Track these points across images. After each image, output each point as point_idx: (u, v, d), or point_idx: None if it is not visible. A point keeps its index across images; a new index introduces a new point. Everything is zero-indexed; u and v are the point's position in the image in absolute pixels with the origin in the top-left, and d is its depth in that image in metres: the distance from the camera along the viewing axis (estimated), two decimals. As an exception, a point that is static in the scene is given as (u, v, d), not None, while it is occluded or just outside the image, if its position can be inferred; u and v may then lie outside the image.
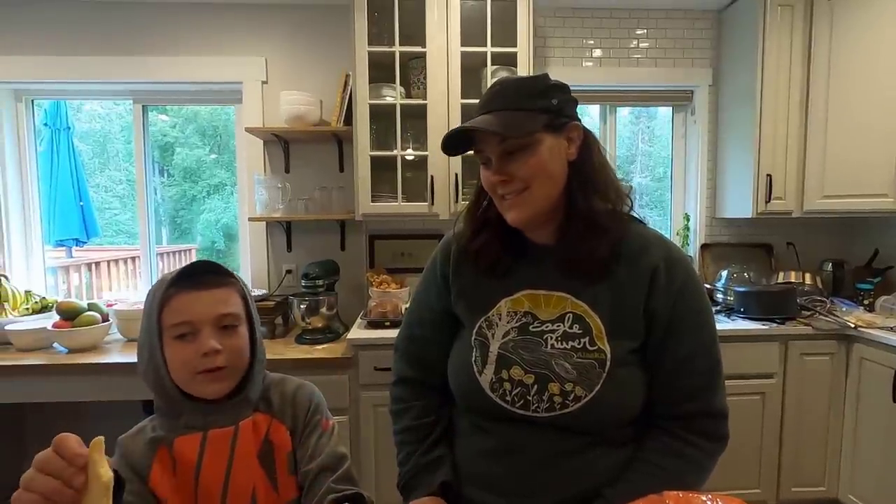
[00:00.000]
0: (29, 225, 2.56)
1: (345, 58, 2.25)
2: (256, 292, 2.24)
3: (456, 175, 2.16)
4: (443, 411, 0.92)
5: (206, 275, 0.83)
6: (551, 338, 0.80)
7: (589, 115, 2.74)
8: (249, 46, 2.41)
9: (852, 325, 2.02)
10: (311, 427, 0.87)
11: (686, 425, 0.79)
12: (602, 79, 2.55)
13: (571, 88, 0.83)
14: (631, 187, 0.88)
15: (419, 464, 0.87)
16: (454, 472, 0.86)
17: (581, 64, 2.53)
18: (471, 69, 2.19)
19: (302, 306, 2.07)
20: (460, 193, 2.16)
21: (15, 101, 2.49)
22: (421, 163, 2.20)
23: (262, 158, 2.45)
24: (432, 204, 2.17)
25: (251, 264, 2.49)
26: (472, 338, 0.85)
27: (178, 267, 0.84)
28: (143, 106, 2.53)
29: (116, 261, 4.38)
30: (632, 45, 2.54)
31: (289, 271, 2.47)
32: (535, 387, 0.78)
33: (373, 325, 2.04)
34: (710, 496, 0.56)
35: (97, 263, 4.09)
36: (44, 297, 2.31)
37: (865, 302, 2.28)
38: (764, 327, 2.05)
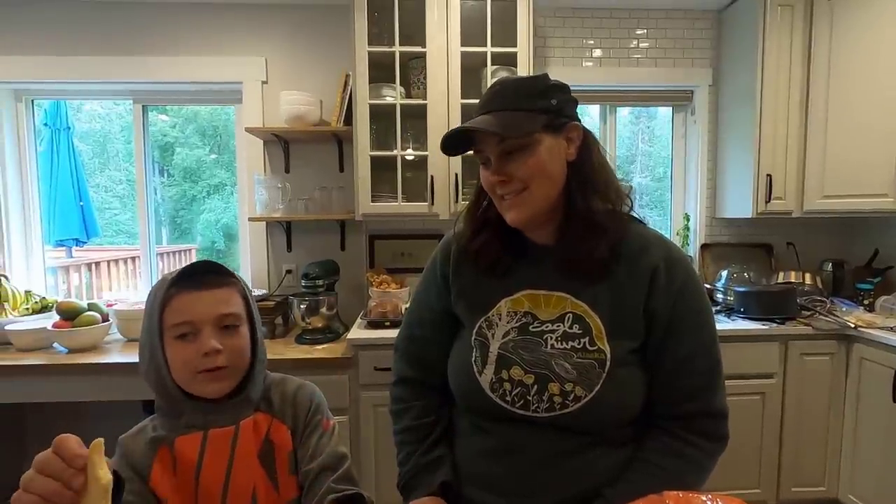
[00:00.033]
0: (29, 225, 2.56)
1: (345, 58, 2.25)
2: (256, 292, 2.24)
3: (456, 175, 2.16)
4: (443, 411, 0.92)
5: (207, 275, 0.83)
6: (551, 338, 0.80)
7: (589, 115, 2.74)
8: (249, 46, 2.41)
9: (852, 325, 2.02)
10: (312, 427, 0.87)
11: (686, 425, 0.79)
12: (602, 79, 2.55)
13: (571, 88, 0.83)
14: (631, 187, 0.88)
15: (419, 464, 0.87)
16: (454, 472, 0.86)
17: (581, 64, 2.53)
18: (471, 69, 2.19)
19: (302, 306, 2.07)
20: (460, 193, 2.16)
21: (15, 101, 2.49)
22: (421, 163, 2.20)
23: (262, 158, 2.45)
24: (432, 204, 2.17)
25: (251, 264, 2.49)
26: (472, 338, 0.85)
27: (178, 267, 0.84)
28: (143, 106, 2.53)
29: (116, 261, 4.38)
30: (632, 45, 2.54)
31: (289, 271, 2.47)
32: (535, 387, 0.78)
33: (373, 325, 2.04)
34: (710, 496, 0.56)
35: (97, 263, 4.09)
36: (44, 297, 2.31)
37: (865, 302, 2.28)
38: (764, 327, 2.05)
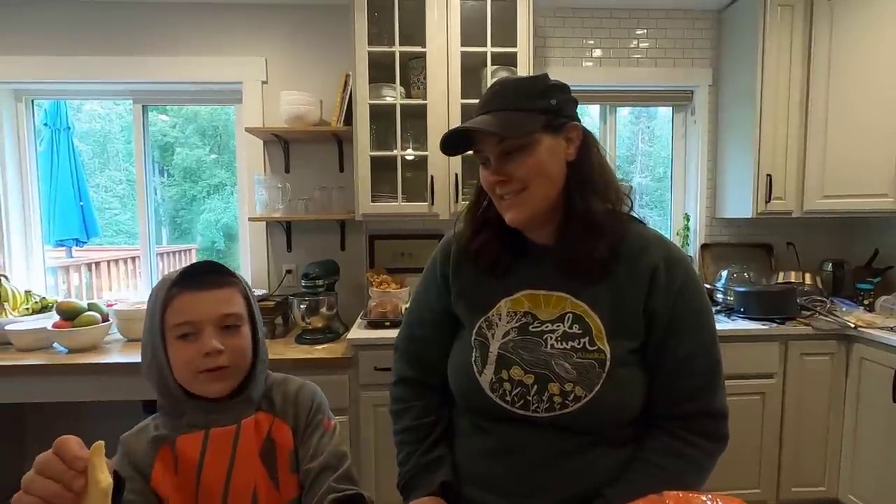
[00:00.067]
0: (29, 225, 2.56)
1: (345, 58, 2.25)
2: (256, 292, 2.22)
3: (456, 175, 2.16)
4: (443, 411, 0.92)
5: (208, 275, 0.83)
6: (551, 338, 0.80)
7: (589, 115, 2.74)
8: (249, 46, 2.41)
9: (852, 325, 2.02)
10: (314, 426, 0.87)
11: (686, 425, 0.79)
12: (602, 79, 2.55)
13: (571, 88, 0.83)
14: (631, 187, 0.88)
15: (419, 464, 0.87)
16: (454, 472, 0.86)
17: (581, 64, 2.53)
18: (471, 69, 2.19)
19: (302, 306, 2.07)
20: (460, 193, 2.16)
21: (15, 101, 2.49)
22: (421, 163, 2.20)
23: (262, 158, 2.45)
24: (432, 204, 2.17)
25: (251, 264, 2.49)
26: (472, 338, 0.85)
27: (179, 267, 0.84)
28: (143, 106, 2.53)
29: (116, 261, 4.38)
30: (632, 45, 2.54)
31: (289, 271, 2.47)
32: (535, 387, 0.78)
33: (373, 325, 2.04)
34: (710, 496, 0.56)
35: (97, 263, 4.09)
36: (44, 297, 2.31)
37: (865, 302, 2.28)
38: (764, 327, 2.05)
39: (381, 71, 2.14)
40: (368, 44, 2.10)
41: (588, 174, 0.81)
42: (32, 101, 2.56)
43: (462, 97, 2.12)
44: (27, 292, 2.30)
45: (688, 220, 2.69)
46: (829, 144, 2.24)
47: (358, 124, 2.13)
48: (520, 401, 0.79)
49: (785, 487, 2.10)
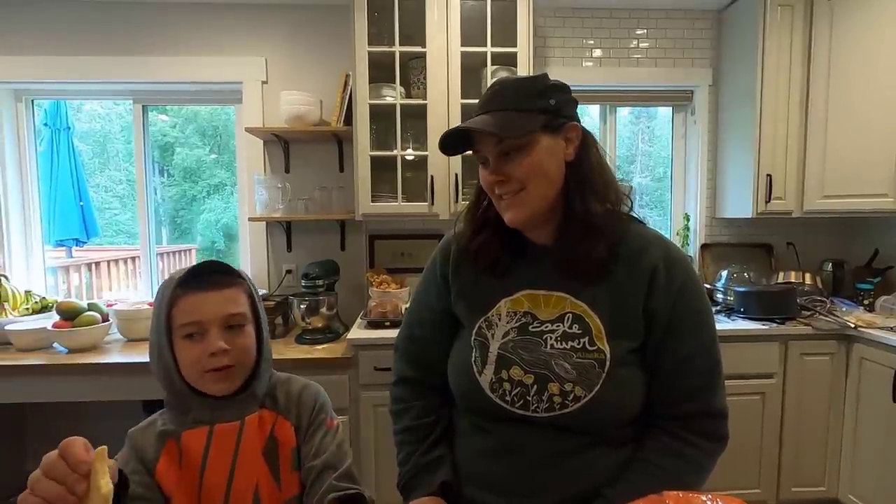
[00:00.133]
0: (29, 225, 2.56)
1: (345, 58, 2.25)
2: (256, 292, 2.24)
3: (456, 175, 2.16)
4: (443, 411, 0.92)
5: (213, 275, 0.84)
6: (551, 338, 0.80)
7: (589, 115, 2.74)
8: (249, 46, 2.41)
9: (852, 325, 2.02)
10: (316, 425, 0.88)
11: (686, 425, 0.79)
12: (602, 79, 2.55)
13: (571, 88, 0.83)
14: (631, 187, 0.88)
15: (419, 464, 0.87)
16: (454, 472, 0.86)
17: (581, 64, 2.53)
18: (471, 69, 2.19)
19: (302, 306, 2.07)
20: (460, 193, 2.16)
21: (15, 101, 2.49)
22: (421, 163, 2.20)
23: (262, 158, 2.45)
24: (432, 204, 2.17)
25: (251, 264, 2.49)
26: (472, 338, 0.85)
27: (182, 267, 0.85)
28: (143, 106, 2.53)
29: (116, 261, 4.38)
30: (632, 45, 2.54)
31: (289, 271, 2.47)
32: (535, 387, 0.78)
33: (373, 325, 2.04)
34: (710, 496, 0.56)
35: (97, 263, 4.09)
36: (44, 297, 2.31)
37: (865, 302, 2.28)
38: (764, 327, 2.05)
39: (381, 71, 2.14)
40: (368, 44, 2.10)
41: (587, 174, 0.81)
42: (32, 101, 2.56)
43: (462, 97, 2.12)
44: (27, 292, 2.30)
45: (688, 220, 2.69)
46: (829, 144, 2.24)
47: (358, 124, 2.13)
48: (519, 401, 0.79)
49: (785, 487, 2.10)
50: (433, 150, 2.14)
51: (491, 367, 0.82)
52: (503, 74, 2.13)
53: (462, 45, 2.11)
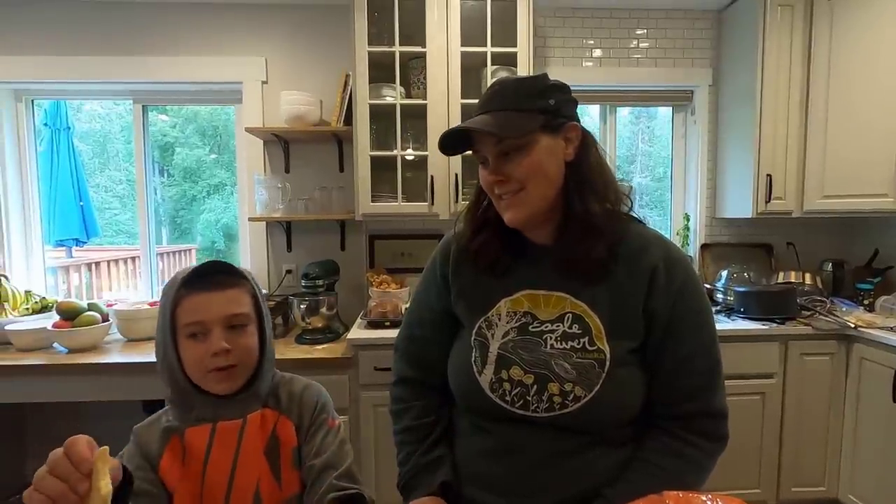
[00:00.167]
0: (29, 225, 2.56)
1: (345, 58, 2.25)
2: (256, 292, 2.24)
3: (456, 175, 2.16)
4: (443, 411, 0.92)
5: (217, 275, 0.85)
6: (551, 338, 0.80)
7: (589, 115, 2.74)
8: (249, 46, 2.41)
9: (852, 325, 2.02)
10: (318, 425, 0.89)
11: (686, 425, 0.79)
12: (602, 79, 2.55)
13: (571, 88, 0.83)
14: (631, 187, 0.88)
15: (419, 464, 0.87)
16: (454, 472, 0.86)
17: (581, 64, 2.53)
18: (471, 69, 2.19)
19: (302, 306, 2.07)
20: (460, 193, 2.16)
21: (15, 101, 2.49)
22: (421, 163, 2.20)
23: (262, 158, 2.45)
24: (432, 204, 2.17)
25: (251, 264, 2.49)
26: (472, 338, 0.85)
27: (185, 266, 0.86)
28: (143, 106, 2.53)
29: (116, 261, 4.38)
30: (632, 45, 2.54)
31: (289, 271, 2.47)
32: (535, 387, 0.78)
33: (373, 325, 2.04)
34: (710, 496, 0.56)
35: (97, 263, 4.09)
36: (44, 297, 2.31)
37: (865, 302, 2.28)
38: (764, 327, 2.05)
39: (381, 71, 2.14)
40: (368, 44, 2.10)
41: (587, 174, 0.81)
42: (32, 101, 2.56)
43: (462, 97, 2.12)
44: (27, 292, 2.30)
45: (688, 220, 2.69)
46: (829, 144, 2.24)
47: (358, 124, 2.13)
48: (519, 401, 0.79)
49: (785, 487, 2.10)
50: (433, 150, 2.14)
51: (491, 367, 0.82)
52: (503, 74, 2.13)
53: (462, 45, 2.11)
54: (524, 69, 2.12)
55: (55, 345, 2.02)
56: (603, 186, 0.82)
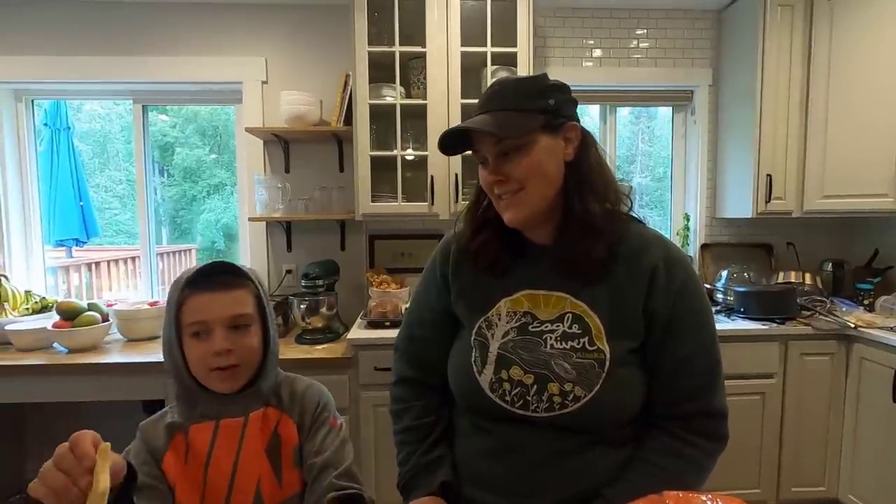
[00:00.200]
0: (29, 225, 2.56)
1: (345, 58, 2.25)
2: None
3: (456, 175, 2.16)
4: (443, 411, 0.92)
5: (222, 275, 0.87)
6: (550, 338, 0.80)
7: (589, 115, 2.74)
8: (249, 46, 2.41)
9: (852, 325, 2.02)
10: (319, 424, 0.90)
11: (686, 425, 0.79)
12: (602, 79, 2.55)
13: (571, 88, 0.83)
14: (631, 187, 0.88)
15: (419, 464, 0.87)
16: (454, 472, 0.86)
17: (581, 64, 2.53)
18: (471, 69, 2.19)
19: (302, 306, 2.07)
20: (460, 193, 2.16)
21: (15, 101, 2.49)
22: (421, 163, 2.20)
23: (262, 158, 2.45)
24: (432, 204, 2.17)
25: (251, 264, 2.48)
26: (472, 338, 0.85)
27: (195, 265, 0.88)
28: (143, 106, 2.53)
29: (116, 261, 4.38)
30: (632, 45, 2.54)
31: (289, 271, 2.47)
32: (535, 387, 0.78)
33: (373, 325, 2.04)
34: (710, 496, 0.56)
35: (97, 263, 4.09)
36: (44, 297, 2.31)
37: (865, 302, 2.28)
38: (764, 327, 2.05)
39: (381, 71, 2.14)
40: (368, 44, 2.10)
41: (586, 174, 0.81)
42: (32, 101, 2.56)
43: (462, 97, 2.12)
44: (27, 292, 2.30)
45: (688, 220, 2.69)
46: (829, 144, 2.24)
47: (358, 124, 2.13)
48: (519, 401, 0.79)
49: (785, 487, 2.10)
50: (433, 150, 2.14)
51: (491, 367, 0.82)
52: (503, 74, 2.13)
53: (462, 45, 2.11)
54: (524, 69, 2.12)
55: (55, 345, 2.02)
56: (603, 186, 0.82)
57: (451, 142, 0.82)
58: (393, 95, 2.18)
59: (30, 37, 2.34)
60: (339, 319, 2.24)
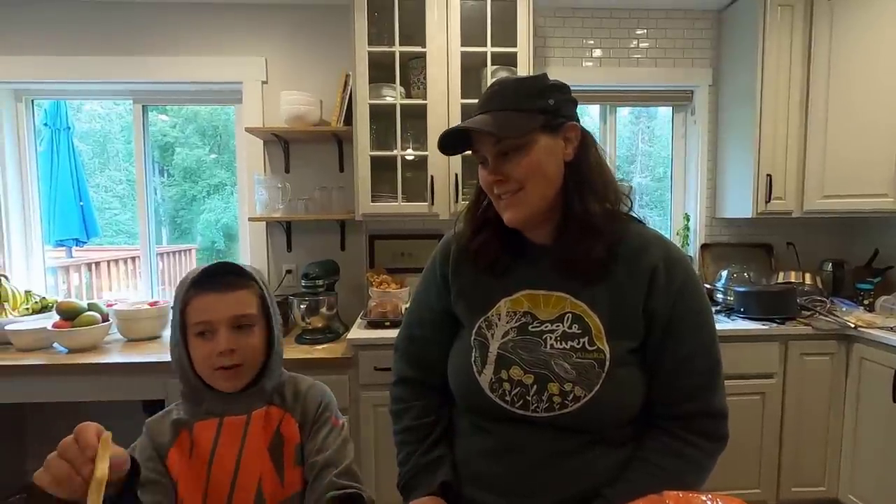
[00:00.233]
0: (29, 225, 2.56)
1: (345, 58, 2.25)
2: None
3: (456, 175, 2.16)
4: (443, 411, 0.93)
5: (226, 276, 0.88)
6: (550, 338, 0.80)
7: (589, 115, 2.74)
8: (249, 46, 2.41)
9: (852, 325, 2.02)
10: (321, 423, 0.91)
11: (686, 425, 0.79)
12: (602, 79, 2.55)
13: (571, 88, 0.83)
14: (631, 187, 0.88)
15: (419, 464, 0.87)
16: (454, 472, 0.86)
17: (581, 64, 2.53)
18: (471, 69, 2.19)
19: (302, 306, 2.07)
20: (460, 193, 2.16)
21: (15, 101, 2.49)
22: (421, 163, 2.20)
23: (262, 158, 2.45)
24: (432, 204, 2.17)
25: (251, 264, 2.48)
26: (472, 338, 0.85)
27: (201, 266, 0.89)
28: (143, 106, 2.53)
29: (116, 261, 4.37)
30: (632, 45, 2.54)
31: (289, 271, 2.47)
32: (535, 387, 0.78)
33: (373, 325, 2.04)
34: (710, 496, 0.56)
35: (97, 263, 4.09)
36: (44, 297, 2.31)
37: (865, 302, 2.28)
38: (764, 327, 2.05)
39: (381, 71, 2.14)
40: (368, 44, 2.10)
41: (586, 174, 0.81)
42: (32, 101, 2.56)
43: (462, 97, 2.12)
44: (27, 292, 2.30)
45: (688, 220, 2.69)
46: (829, 144, 2.24)
47: (358, 124, 2.13)
48: (519, 401, 0.79)
49: (785, 487, 2.10)
50: (433, 150, 2.14)
51: (491, 367, 0.82)
52: (503, 74, 2.13)
53: (462, 45, 2.11)
54: (524, 69, 2.12)
55: (55, 345, 2.02)
56: (602, 186, 0.82)
57: (451, 142, 0.82)
58: (393, 95, 2.18)
59: (30, 37, 2.34)
60: (339, 319, 2.24)
